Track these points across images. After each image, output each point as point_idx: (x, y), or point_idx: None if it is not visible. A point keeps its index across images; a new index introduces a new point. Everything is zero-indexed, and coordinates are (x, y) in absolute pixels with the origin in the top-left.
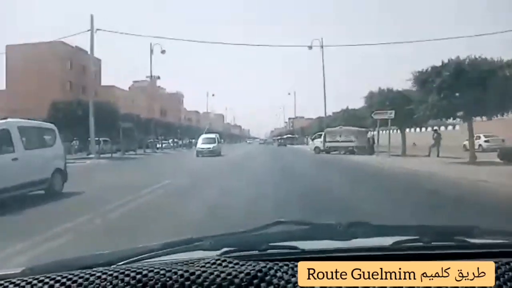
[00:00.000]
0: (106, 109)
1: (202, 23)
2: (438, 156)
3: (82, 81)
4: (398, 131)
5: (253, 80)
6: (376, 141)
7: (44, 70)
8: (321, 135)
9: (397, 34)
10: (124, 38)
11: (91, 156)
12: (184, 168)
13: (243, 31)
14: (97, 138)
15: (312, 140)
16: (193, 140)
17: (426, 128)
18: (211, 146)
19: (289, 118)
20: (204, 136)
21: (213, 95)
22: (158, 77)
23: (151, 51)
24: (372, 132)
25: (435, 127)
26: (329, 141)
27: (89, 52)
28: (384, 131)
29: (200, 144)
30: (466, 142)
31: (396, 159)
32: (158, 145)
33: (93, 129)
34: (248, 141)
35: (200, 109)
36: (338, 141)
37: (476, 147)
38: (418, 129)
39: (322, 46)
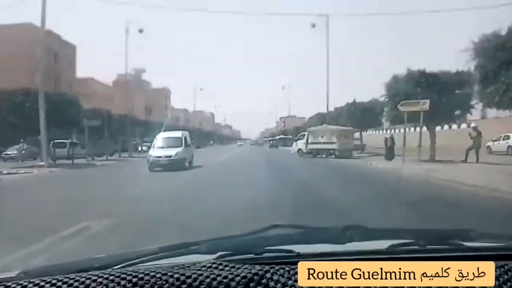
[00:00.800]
0: (65, 101)
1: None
2: (477, 161)
3: (55, 70)
4: (413, 129)
5: (245, 80)
6: (395, 142)
7: (7, 57)
8: (304, 135)
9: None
10: (113, 30)
11: (42, 163)
12: (136, 191)
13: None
14: (63, 140)
15: (296, 141)
16: None
17: (436, 127)
18: (172, 153)
19: (281, 118)
20: (162, 135)
21: (201, 89)
22: (144, 70)
23: (127, 31)
24: (390, 131)
25: (473, 124)
26: (312, 143)
27: (60, 36)
28: (392, 130)
29: (156, 149)
30: (491, 143)
31: (433, 167)
32: (139, 148)
33: (44, 127)
34: (238, 143)
35: (190, 108)
36: (320, 143)
37: (504, 149)
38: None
39: (327, 18)
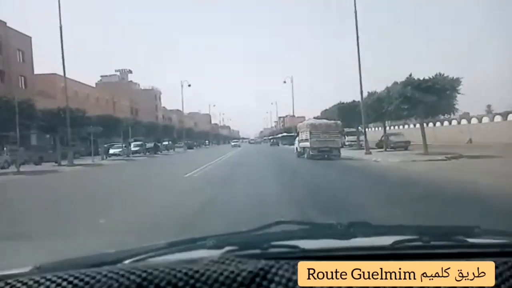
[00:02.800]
0: None
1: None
2: None
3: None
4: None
5: (244, 80)
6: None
7: None
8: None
9: None
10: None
11: None
12: None
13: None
14: None
15: (295, 138)
16: (164, 143)
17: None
18: None
19: (279, 117)
20: None
21: (189, 85)
22: (130, 71)
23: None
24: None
25: None
26: (300, 141)
27: (7, 23)
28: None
29: None
30: None
31: None
32: (111, 151)
33: None
34: (233, 143)
35: (188, 109)
36: (302, 140)
37: None
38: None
39: None
